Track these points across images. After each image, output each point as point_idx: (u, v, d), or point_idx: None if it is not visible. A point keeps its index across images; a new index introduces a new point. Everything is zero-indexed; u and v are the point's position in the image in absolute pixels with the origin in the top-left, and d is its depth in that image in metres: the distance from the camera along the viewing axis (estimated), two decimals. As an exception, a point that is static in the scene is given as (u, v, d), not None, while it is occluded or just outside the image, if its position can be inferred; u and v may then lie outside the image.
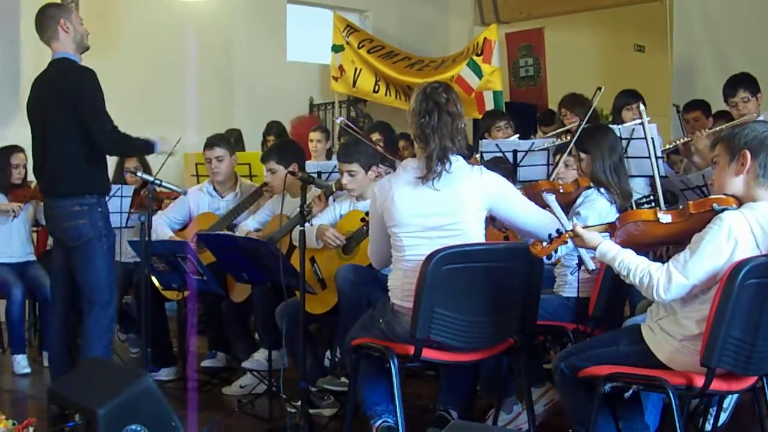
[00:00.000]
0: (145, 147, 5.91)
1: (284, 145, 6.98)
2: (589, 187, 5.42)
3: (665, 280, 3.92)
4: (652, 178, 6.14)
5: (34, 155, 5.85)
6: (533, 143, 7.13)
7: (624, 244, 4.12)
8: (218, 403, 6.32)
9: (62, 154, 5.61)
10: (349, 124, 6.97)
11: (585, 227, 4.22)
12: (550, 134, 7.58)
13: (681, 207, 4.15)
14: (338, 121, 7.15)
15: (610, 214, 5.22)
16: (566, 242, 4.20)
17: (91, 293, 5.62)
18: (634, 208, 5.24)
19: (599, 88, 5.71)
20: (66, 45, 5.65)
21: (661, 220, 4.07)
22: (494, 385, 5.34)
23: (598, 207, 5.30)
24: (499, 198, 4.67)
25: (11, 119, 9.65)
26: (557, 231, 4.21)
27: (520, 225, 4.79)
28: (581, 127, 5.82)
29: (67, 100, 5.53)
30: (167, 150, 5.98)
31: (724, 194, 4.07)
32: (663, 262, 4.01)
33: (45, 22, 5.67)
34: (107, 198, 5.85)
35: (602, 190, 5.38)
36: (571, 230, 4.17)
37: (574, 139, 5.65)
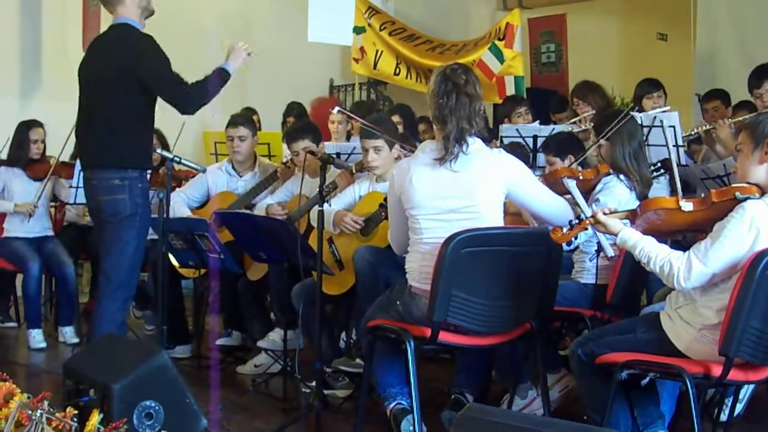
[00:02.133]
0: (217, 80, 5.56)
1: (308, 126, 6.95)
2: (609, 174, 5.39)
3: (686, 268, 3.90)
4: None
5: (78, 122, 5.68)
6: (553, 129, 7.10)
7: (645, 232, 4.10)
8: (232, 382, 6.34)
9: (108, 123, 5.44)
10: (344, 110, 6.95)
11: (606, 214, 4.19)
12: (570, 122, 7.54)
13: (703, 195, 4.11)
14: (334, 111, 7.12)
15: (630, 200, 5.21)
16: (587, 228, 4.19)
17: (111, 270, 5.47)
18: None
19: (627, 113, 5.63)
20: (131, 10, 5.48)
21: (682, 208, 4.05)
22: (510, 370, 5.33)
23: (617, 194, 5.28)
24: (516, 182, 4.65)
25: (33, 94, 9.71)
26: (578, 217, 4.20)
27: (536, 210, 4.77)
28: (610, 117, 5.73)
29: (125, 68, 5.36)
30: (243, 56, 5.76)
31: (747, 183, 4.04)
32: (684, 250, 4.00)
33: None
34: None
35: (622, 176, 5.36)
36: (592, 216, 4.16)
37: (614, 125, 5.53)
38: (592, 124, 6.28)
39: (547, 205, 4.73)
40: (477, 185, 4.53)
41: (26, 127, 7.69)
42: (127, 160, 5.47)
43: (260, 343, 6.47)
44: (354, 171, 6.17)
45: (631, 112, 5.68)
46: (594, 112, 7.17)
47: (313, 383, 5.40)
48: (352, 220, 5.84)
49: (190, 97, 5.44)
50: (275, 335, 6.39)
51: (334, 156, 5.94)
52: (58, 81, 9.42)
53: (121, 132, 5.44)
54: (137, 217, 5.47)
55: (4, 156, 7.78)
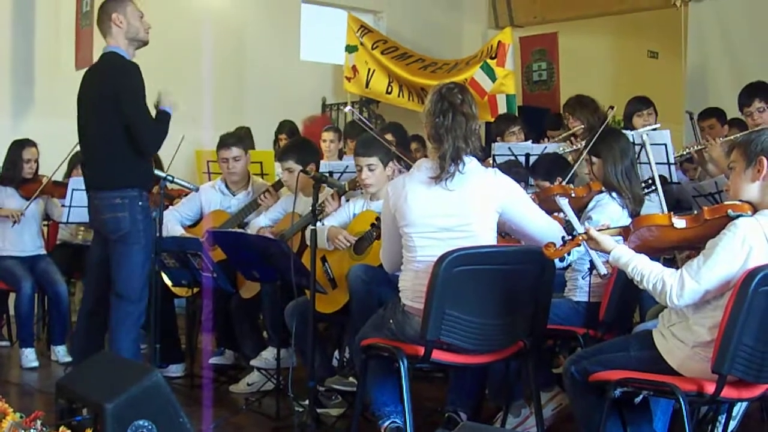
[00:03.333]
0: (165, 119, 5.71)
1: (302, 145, 6.94)
2: (601, 192, 5.41)
3: (678, 286, 3.91)
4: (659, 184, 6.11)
5: (81, 147, 5.84)
6: (545, 147, 7.12)
7: (638, 249, 4.11)
8: (226, 401, 6.32)
9: (105, 146, 5.58)
10: (362, 118, 6.96)
11: (599, 230, 4.20)
12: (559, 138, 7.56)
13: (696, 212, 4.12)
14: (347, 110, 7.13)
15: (622, 218, 5.22)
16: (579, 245, 4.20)
17: (121, 287, 5.54)
18: None
19: (611, 107, 5.67)
20: (117, 39, 5.62)
21: (675, 225, 4.05)
22: (503, 388, 5.33)
23: (609, 211, 5.29)
24: (510, 202, 4.67)
25: (26, 113, 9.69)
26: (570, 234, 4.20)
27: (528, 231, 4.77)
28: (599, 132, 5.76)
29: (109, 95, 5.49)
30: (176, 104, 5.79)
31: (740, 200, 4.05)
32: (676, 268, 4.01)
33: (100, 17, 5.67)
34: None
35: (614, 194, 5.37)
36: (585, 233, 4.17)
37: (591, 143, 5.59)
38: (583, 141, 6.31)
39: (540, 225, 4.74)
40: (472, 204, 4.54)
41: (19, 146, 7.69)
42: (127, 180, 5.58)
43: (253, 362, 6.47)
44: (347, 189, 6.17)
45: (623, 131, 5.71)
46: (583, 127, 7.19)
47: (306, 402, 5.39)
48: (345, 238, 5.85)
49: (152, 139, 5.62)
50: (268, 354, 6.39)
51: (327, 175, 5.94)
52: (51, 100, 9.45)
53: (117, 154, 5.55)
54: (140, 233, 5.57)
55: (-2, 175, 7.78)
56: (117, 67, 5.58)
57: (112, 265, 5.59)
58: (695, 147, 6.87)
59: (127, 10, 5.64)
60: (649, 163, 5.66)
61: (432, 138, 4.62)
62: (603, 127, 5.96)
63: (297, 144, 7.04)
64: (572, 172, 5.78)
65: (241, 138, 7.38)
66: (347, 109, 6.69)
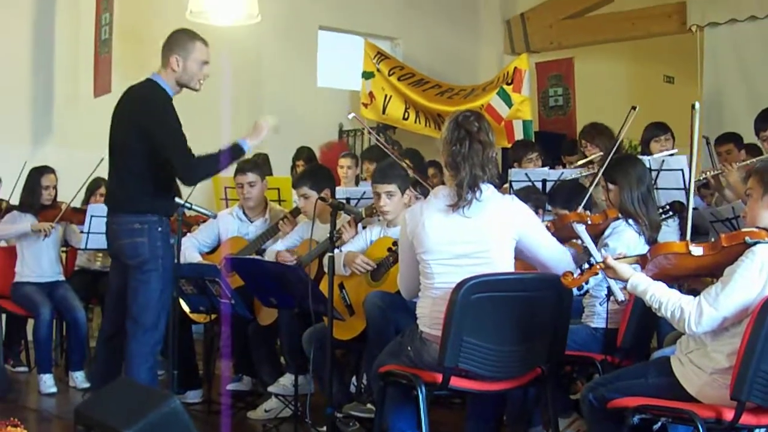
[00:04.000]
0: (229, 156, 5.62)
1: (317, 171, 6.98)
2: (618, 218, 5.41)
3: (696, 313, 3.91)
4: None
5: (109, 166, 5.74)
6: (562, 173, 7.13)
7: (655, 277, 4.11)
8: (243, 427, 6.33)
9: (129, 170, 5.52)
10: (380, 141, 6.97)
11: (616, 259, 4.20)
12: (577, 164, 7.57)
13: (713, 239, 4.12)
14: (350, 117, 7.14)
15: (639, 245, 5.21)
16: (597, 273, 4.20)
17: (138, 314, 5.48)
18: None
19: (633, 108, 5.67)
20: (167, 76, 5.55)
21: (692, 253, 4.05)
22: (521, 414, 5.32)
23: (626, 239, 5.29)
24: (527, 229, 4.67)
25: (45, 140, 9.75)
26: (588, 262, 4.21)
27: (542, 259, 4.76)
28: (609, 156, 5.78)
29: (139, 122, 5.44)
30: (265, 133, 5.76)
31: (757, 227, 4.05)
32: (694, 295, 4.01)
33: (165, 47, 5.57)
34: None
35: (630, 221, 5.37)
36: (602, 262, 4.17)
37: (602, 168, 5.61)
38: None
39: (553, 254, 4.75)
40: (489, 231, 4.55)
41: (38, 173, 7.73)
42: (147, 205, 5.52)
43: (271, 388, 6.47)
44: (364, 216, 6.19)
45: (639, 156, 5.71)
46: (602, 154, 7.20)
47: (324, 428, 5.40)
48: (363, 261, 5.86)
49: (195, 171, 5.53)
50: (286, 380, 6.39)
51: (344, 202, 5.96)
52: (70, 127, 9.52)
53: (140, 179, 5.50)
54: (159, 260, 5.50)
55: (15, 201, 7.82)
56: (151, 98, 5.50)
57: (129, 292, 5.54)
58: (712, 172, 6.86)
59: (190, 56, 5.55)
60: (686, 189, 5.64)
61: (449, 166, 4.63)
62: (614, 148, 5.97)
63: (312, 170, 7.08)
64: (587, 195, 5.78)
65: (258, 164, 7.40)
66: (350, 116, 6.66)
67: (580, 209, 5.63)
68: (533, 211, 4.85)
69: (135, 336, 5.49)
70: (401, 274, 4.91)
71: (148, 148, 5.44)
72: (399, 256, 4.94)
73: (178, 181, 5.65)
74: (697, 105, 5.14)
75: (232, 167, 7.10)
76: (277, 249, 6.68)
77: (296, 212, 6.93)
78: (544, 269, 4.74)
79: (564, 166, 8.14)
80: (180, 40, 5.58)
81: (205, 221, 7.26)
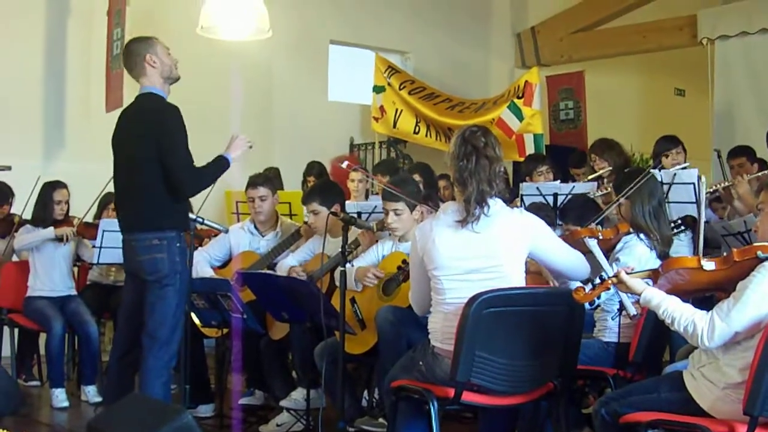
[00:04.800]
0: (218, 168, 5.68)
1: (326, 187, 7.00)
2: (629, 233, 5.40)
3: (709, 328, 3.91)
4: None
5: (116, 188, 5.77)
6: (573, 187, 7.13)
7: (668, 291, 4.10)
8: (255, 442, 6.33)
9: (143, 188, 5.52)
10: (364, 170, 7.01)
11: (628, 273, 4.20)
12: (588, 179, 7.58)
13: (725, 254, 4.12)
14: (353, 170, 7.15)
15: (650, 260, 5.21)
16: (609, 288, 4.20)
17: (154, 329, 5.47)
18: None
19: (648, 172, 5.66)
20: (153, 80, 5.57)
21: (704, 268, 4.05)
22: (533, 429, 5.29)
23: (637, 253, 5.29)
24: (539, 241, 4.68)
25: (57, 155, 9.78)
26: (600, 277, 4.21)
27: (558, 268, 4.78)
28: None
29: (149, 136, 5.44)
30: (243, 148, 5.78)
31: (768, 242, 4.05)
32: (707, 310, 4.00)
33: (132, 59, 5.61)
34: None
35: (642, 235, 5.37)
36: (615, 276, 4.17)
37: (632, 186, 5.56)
38: (611, 182, 6.30)
39: (568, 260, 4.76)
40: (499, 245, 4.55)
41: (50, 187, 7.74)
42: (164, 221, 5.52)
43: (283, 403, 6.46)
44: (375, 230, 6.19)
45: (651, 170, 5.71)
46: (611, 168, 7.20)
47: (336, 443, 5.40)
48: (373, 274, 5.87)
49: (189, 180, 5.54)
50: (298, 394, 6.38)
51: (355, 216, 5.97)
52: (82, 142, 9.55)
53: (154, 195, 5.50)
54: (177, 275, 5.51)
55: (28, 215, 7.85)
56: (156, 108, 5.53)
57: (146, 307, 5.54)
58: (722, 185, 6.86)
59: (157, 49, 5.61)
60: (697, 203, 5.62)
61: (457, 181, 4.64)
62: (633, 173, 5.97)
63: (320, 187, 7.09)
64: (602, 215, 5.78)
65: (269, 178, 7.41)
66: (353, 169, 6.71)
67: (593, 225, 5.64)
68: (544, 222, 4.85)
69: (151, 351, 5.49)
70: (413, 290, 4.91)
71: (158, 163, 5.45)
72: (410, 272, 4.94)
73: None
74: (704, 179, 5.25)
75: (245, 180, 7.16)
76: (290, 263, 6.69)
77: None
78: (562, 278, 4.75)
79: (573, 179, 8.15)
80: (140, 43, 5.65)
81: (216, 235, 7.28)
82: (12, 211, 8.20)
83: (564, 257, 4.76)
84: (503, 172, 4.76)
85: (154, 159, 5.45)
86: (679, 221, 5.70)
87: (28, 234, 7.67)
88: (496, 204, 4.59)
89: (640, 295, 4.12)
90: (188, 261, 5.71)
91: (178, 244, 5.54)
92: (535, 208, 6.22)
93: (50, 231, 7.59)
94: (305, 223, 6.96)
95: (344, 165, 7.74)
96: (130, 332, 5.69)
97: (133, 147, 5.56)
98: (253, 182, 7.09)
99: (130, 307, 5.72)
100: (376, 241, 6.24)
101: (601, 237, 5.22)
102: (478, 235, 4.53)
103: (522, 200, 6.94)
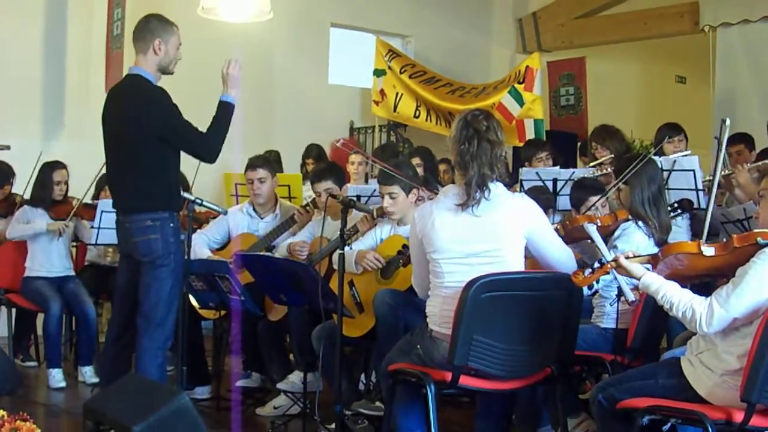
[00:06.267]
0: (229, 114, 5.60)
1: (336, 168, 7.07)
2: (627, 220, 5.40)
3: (707, 314, 3.90)
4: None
5: (107, 168, 5.76)
6: (573, 172, 7.12)
7: (667, 277, 4.10)
8: (252, 424, 6.34)
9: (135, 169, 5.51)
10: (363, 153, 7.01)
11: (628, 258, 4.19)
12: (590, 166, 7.56)
13: (725, 240, 4.11)
14: (351, 153, 7.15)
15: (648, 247, 5.21)
16: (608, 273, 4.19)
17: (150, 310, 5.47)
18: None
19: (646, 155, 5.65)
20: (149, 64, 5.53)
21: (704, 253, 4.04)
22: (530, 414, 5.31)
23: (635, 240, 5.29)
24: (535, 228, 4.67)
25: (56, 135, 9.76)
26: (599, 261, 4.20)
27: (549, 258, 4.76)
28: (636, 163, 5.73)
29: (141, 117, 5.42)
30: (235, 73, 5.68)
31: (769, 228, 4.04)
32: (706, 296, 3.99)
33: (142, 33, 5.56)
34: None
35: (640, 223, 5.36)
36: (614, 261, 4.16)
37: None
38: (613, 168, 6.29)
39: (560, 255, 4.75)
40: (499, 230, 4.55)
41: (50, 168, 7.73)
42: (157, 202, 5.51)
43: (280, 385, 6.46)
44: (375, 216, 6.18)
45: (652, 156, 5.69)
46: (612, 156, 7.19)
47: (333, 426, 5.40)
48: (374, 258, 5.86)
49: (209, 144, 5.52)
50: (295, 377, 6.39)
51: (355, 199, 5.96)
52: (81, 122, 9.51)
53: (147, 176, 5.49)
54: (171, 255, 5.50)
55: (26, 195, 7.83)
56: (145, 89, 5.51)
57: (141, 288, 5.54)
58: (723, 172, 6.83)
59: (171, 39, 5.58)
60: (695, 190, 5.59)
61: (458, 165, 4.63)
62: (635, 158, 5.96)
63: (331, 167, 7.08)
64: (600, 199, 5.77)
65: (269, 160, 7.40)
66: (352, 152, 6.72)
67: (591, 211, 5.64)
68: (542, 211, 4.84)
69: (146, 332, 5.49)
70: (414, 273, 4.91)
71: (154, 145, 5.44)
72: (411, 255, 4.93)
73: (192, 168, 5.61)
74: (728, 121, 5.17)
75: (244, 163, 7.14)
76: (288, 242, 6.70)
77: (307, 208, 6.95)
78: (549, 269, 4.74)
79: (575, 167, 8.14)
80: (160, 24, 5.60)
81: (215, 217, 7.27)
82: (13, 191, 8.18)
83: (555, 250, 4.76)
84: (504, 156, 4.75)
85: (145, 140, 5.44)
86: (676, 204, 5.68)
87: (21, 225, 7.65)
88: (497, 188, 4.59)
89: (639, 279, 4.12)
90: (185, 242, 5.71)
91: (171, 225, 5.53)
92: (535, 193, 6.22)
93: (43, 226, 7.59)
94: (304, 206, 6.94)
95: (339, 143, 7.75)
96: (125, 313, 5.69)
97: (122, 127, 5.53)
98: (252, 164, 7.08)
99: (124, 288, 5.72)
100: (375, 227, 6.23)
101: (599, 223, 5.21)
102: (478, 218, 4.52)
103: (521, 185, 6.92)
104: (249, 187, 7.13)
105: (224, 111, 5.61)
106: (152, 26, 5.58)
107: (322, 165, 7.59)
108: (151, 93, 5.50)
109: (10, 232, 7.70)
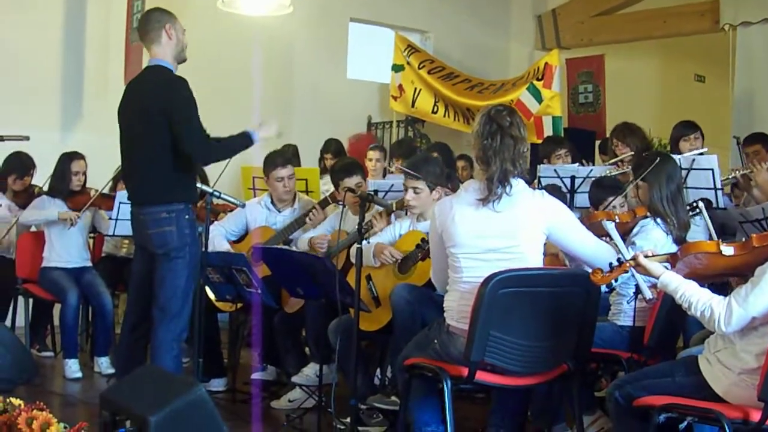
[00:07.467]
0: (241, 143, 5.64)
1: (357, 163, 7.08)
2: (646, 217, 5.38)
3: (726, 313, 3.89)
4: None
5: (123, 160, 5.77)
6: (591, 170, 7.11)
7: (685, 276, 4.09)
8: (267, 417, 6.34)
9: (151, 161, 5.51)
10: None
11: (647, 256, 4.18)
12: (609, 163, 7.54)
13: (744, 239, 4.10)
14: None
15: (666, 244, 5.19)
16: (627, 271, 4.18)
17: (165, 302, 5.49)
18: None
19: (661, 154, 5.63)
20: (166, 52, 5.54)
21: (723, 252, 4.03)
22: (545, 410, 5.31)
23: (653, 237, 5.27)
24: (558, 223, 4.67)
25: (75, 127, 9.79)
26: (618, 260, 4.19)
27: (577, 253, 4.77)
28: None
29: (159, 108, 5.41)
30: (272, 134, 5.82)
31: (789, 228, 4.04)
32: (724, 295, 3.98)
33: (150, 25, 5.57)
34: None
35: (659, 220, 5.35)
36: (633, 259, 4.15)
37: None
38: (631, 166, 6.28)
39: (589, 247, 4.74)
40: (519, 226, 4.54)
41: (68, 158, 7.75)
42: (172, 194, 5.52)
43: (295, 379, 6.47)
44: (394, 209, 6.18)
45: (670, 155, 5.68)
46: (632, 153, 7.17)
47: (348, 419, 5.41)
48: (389, 253, 5.86)
49: (210, 153, 5.58)
50: (310, 370, 6.39)
51: (374, 194, 5.97)
52: (100, 114, 9.50)
53: (162, 168, 5.49)
54: (187, 247, 5.51)
55: (45, 187, 7.86)
56: (166, 81, 5.50)
57: (156, 280, 5.55)
58: (740, 171, 6.81)
59: (177, 26, 5.60)
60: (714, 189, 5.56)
61: (480, 160, 4.63)
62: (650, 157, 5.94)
63: (357, 163, 7.10)
64: (617, 197, 5.76)
65: (290, 157, 7.42)
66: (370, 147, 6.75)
67: (609, 208, 5.62)
68: (566, 207, 4.83)
69: (162, 324, 5.51)
70: (433, 267, 4.92)
71: (166, 135, 5.43)
72: (430, 249, 4.94)
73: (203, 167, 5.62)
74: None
75: (262, 156, 7.14)
76: (310, 236, 6.71)
77: (324, 203, 6.95)
78: (583, 264, 4.73)
79: (593, 164, 8.12)
80: (163, 13, 5.63)
81: (232, 210, 7.28)
82: (33, 182, 8.21)
83: (585, 243, 4.75)
84: (526, 152, 4.74)
85: (161, 132, 5.43)
86: (695, 204, 5.67)
87: (34, 210, 7.68)
88: (518, 184, 4.59)
89: (658, 278, 4.11)
90: (202, 234, 5.72)
91: (186, 217, 5.54)
92: (550, 191, 6.20)
93: (54, 213, 7.60)
94: (314, 208, 6.94)
95: (356, 139, 7.77)
96: (140, 304, 5.71)
97: (140, 119, 5.53)
98: (282, 162, 7.11)
99: (139, 280, 5.74)
100: (389, 225, 6.23)
101: (618, 220, 5.20)
102: (498, 214, 4.52)
103: (539, 182, 6.91)
104: (278, 185, 7.09)
105: (242, 139, 5.64)
106: (156, 16, 5.62)
107: (348, 160, 7.59)
108: (173, 82, 5.50)
109: (22, 218, 7.73)
